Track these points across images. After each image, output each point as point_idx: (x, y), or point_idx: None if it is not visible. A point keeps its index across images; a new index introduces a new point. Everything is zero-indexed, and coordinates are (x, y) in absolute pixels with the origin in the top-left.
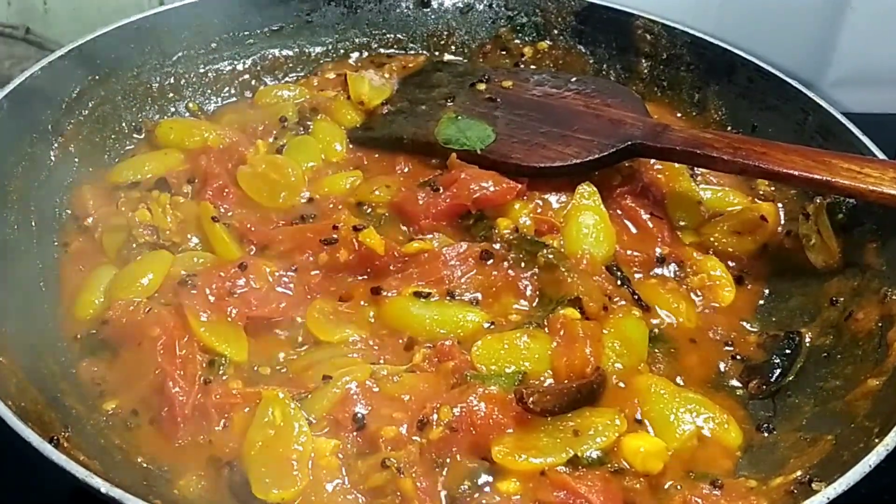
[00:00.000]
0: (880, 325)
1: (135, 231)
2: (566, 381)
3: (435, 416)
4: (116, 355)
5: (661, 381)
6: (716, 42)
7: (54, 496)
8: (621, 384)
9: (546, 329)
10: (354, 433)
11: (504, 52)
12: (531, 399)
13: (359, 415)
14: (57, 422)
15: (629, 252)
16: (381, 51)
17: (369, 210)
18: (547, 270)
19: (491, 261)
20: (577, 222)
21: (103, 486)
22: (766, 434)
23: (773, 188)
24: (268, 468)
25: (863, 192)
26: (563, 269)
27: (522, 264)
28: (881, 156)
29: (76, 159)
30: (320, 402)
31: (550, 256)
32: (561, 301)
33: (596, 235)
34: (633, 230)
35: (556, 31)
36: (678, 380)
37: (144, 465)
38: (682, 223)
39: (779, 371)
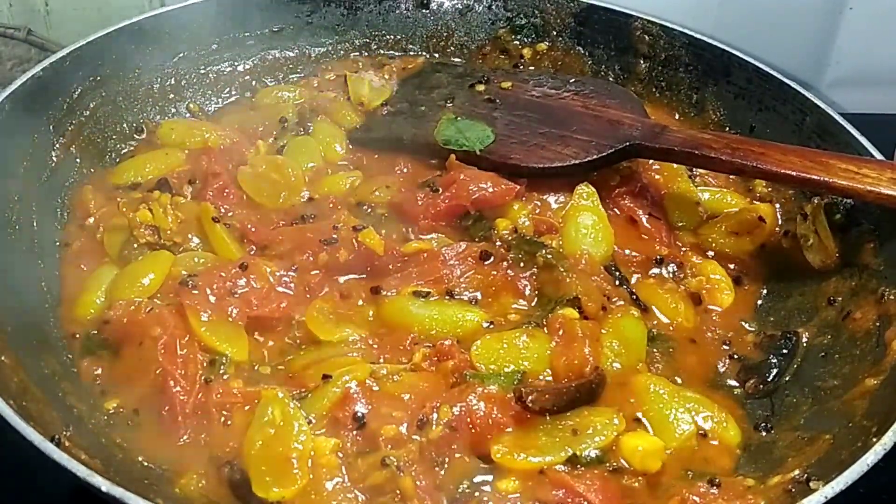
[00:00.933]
0: (878, 324)
1: (136, 231)
2: (565, 381)
3: (434, 415)
4: (117, 355)
5: (659, 380)
6: (714, 43)
7: (54, 496)
8: (620, 384)
9: (545, 329)
10: (354, 432)
11: (503, 54)
12: (530, 398)
13: (359, 413)
14: (58, 421)
15: (628, 252)
16: (381, 52)
17: (369, 210)
18: (546, 270)
19: (490, 260)
20: (576, 222)
21: (104, 485)
22: (764, 433)
23: (770, 189)
24: (268, 467)
25: (860, 193)
26: (562, 269)
27: (521, 264)
28: (879, 156)
29: (77, 160)
30: (320, 401)
31: (549, 256)
32: (560, 301)
33: (594, 236)
34: (632, 231)
35: (554, 33)
36: (677, 379)
37: (145, 463)
38: (680, 224)
39: (776, 371)
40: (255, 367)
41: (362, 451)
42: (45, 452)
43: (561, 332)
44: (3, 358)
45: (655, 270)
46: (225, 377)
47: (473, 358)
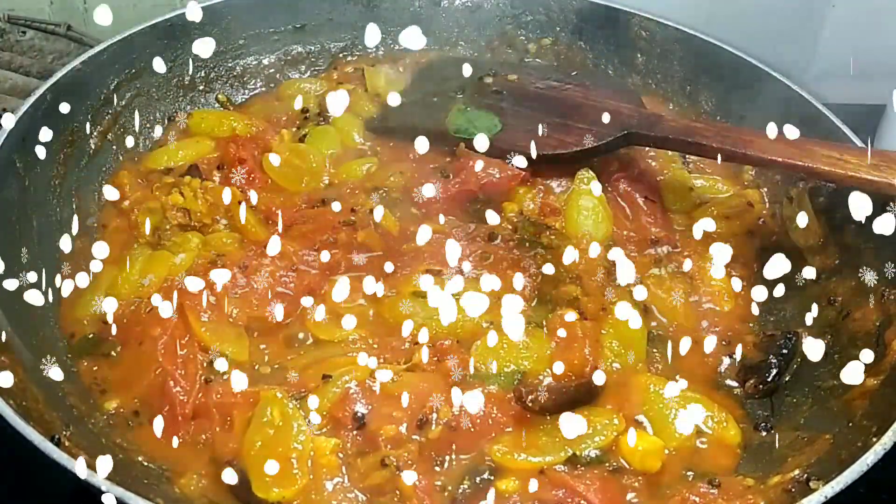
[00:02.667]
0: (878, 324)
1: (168, 213)
2: (565, 381)
3: (434, 416)
4: (117, 355)
5: (659, 380)
6: (706, 38)
7: (54, 496)
8: (620, 384)
9: (545, 329)
10: (354, 432)
11: (510, 48)
12: (530, 398)
13: (358, 413)
14: (58, 421)
15: (625, 233)
16: (396, 46)
17: (384, 194)
18: (550, 251)
19: (497, 240)
20: (578, 205)
21: (104, 485)
22: (764, 433)
23: (755, 175)
24: (268, 467)
25: (842, 178)
26: (563, 270)
27: (527, 244)
28: (860, 144)
29: (114, 147)
30: (320, 400)
31: (553, 237)
32: (560, 301)
33: (595, 217)
34: (629, 212)
35: (558, 29)
36: (677, 379)
37: (145, 463)
38: (674, 207)
39: (775, 371)
40: (256, 367)
41: (362, 451)
42: (45, 452)
43: (561, 333)
44: (3, 358)
45: (651, 251)
46: (225, 377)
47: (473, 358)
